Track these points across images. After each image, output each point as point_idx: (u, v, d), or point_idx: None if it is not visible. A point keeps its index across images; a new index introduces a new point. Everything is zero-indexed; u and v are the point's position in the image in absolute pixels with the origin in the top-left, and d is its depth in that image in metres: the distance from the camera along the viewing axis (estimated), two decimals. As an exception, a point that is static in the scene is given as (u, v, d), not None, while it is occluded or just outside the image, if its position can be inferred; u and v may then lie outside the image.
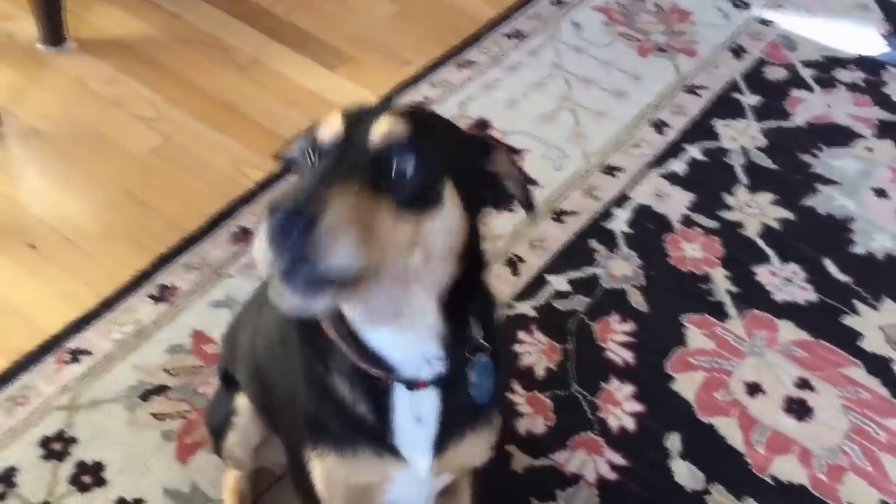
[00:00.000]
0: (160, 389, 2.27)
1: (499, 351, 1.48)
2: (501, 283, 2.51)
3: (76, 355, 2.33)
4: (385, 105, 1.29)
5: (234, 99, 3.09)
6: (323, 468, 1.49)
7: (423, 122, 1.25)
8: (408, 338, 1.34)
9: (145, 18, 3.38)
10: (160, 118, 2.99)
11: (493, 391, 1.47)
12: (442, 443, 1.46)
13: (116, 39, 3.29)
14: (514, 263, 2.60)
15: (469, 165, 1.30)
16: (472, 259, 1.32)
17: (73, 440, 2.17)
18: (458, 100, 3.12)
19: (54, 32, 3.18)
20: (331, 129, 1.25)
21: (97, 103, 3.04)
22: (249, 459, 1.97)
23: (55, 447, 2.15)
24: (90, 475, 2.11)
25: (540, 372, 2.35)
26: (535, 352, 2.39)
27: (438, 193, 1.21)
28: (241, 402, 1.88)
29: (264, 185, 2.77)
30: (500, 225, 2.66)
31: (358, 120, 1.24)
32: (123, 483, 2.10)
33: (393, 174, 1.18)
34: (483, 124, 3.02)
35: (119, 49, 3.24)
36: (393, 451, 1.45)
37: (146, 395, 2.25)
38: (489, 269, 1.39)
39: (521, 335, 2.42)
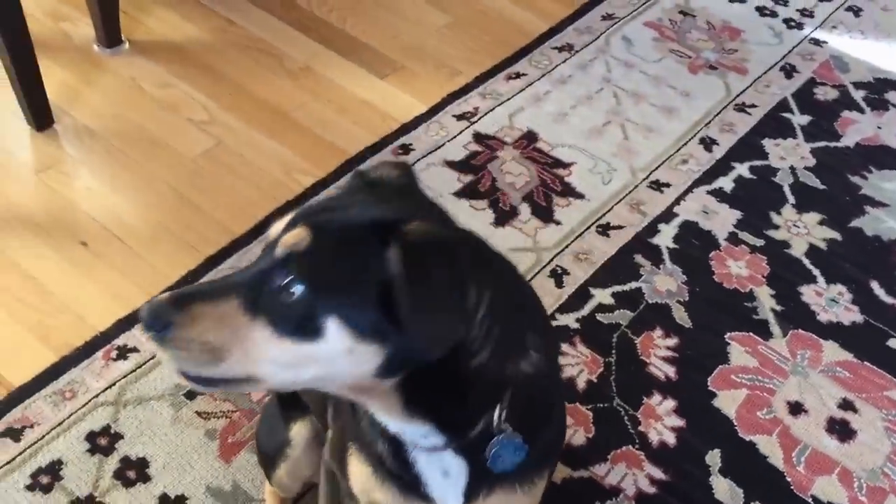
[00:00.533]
0: (205, 389, 2.29)
1: (537, 429, 1.41)
2: (545, 295, 2.52)
3: (124, 352, 2.35)
4: (307, 213, 1.24)
5: (285, 105, 3.12)
6: (358, 468, 1.49)
7: (328, 248, 1.17)
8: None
9: (199, 23, 3.42)
10: (212, 122, 3.03)
11: (526, 464, 1.40)
12: (470, 494, 1.43)
13: (171, 43, 3.33)
14: (558, 275, 2.60)
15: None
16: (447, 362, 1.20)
17: (118, 435, 2.19)
18: (507, 111, 3.13)
19: (111, 34, 3.21)
20: (275, 228, 1.24)
21: (151, 105, 3.08)
22: (298, 488, 1.99)
23: (101, 442, 2.18)
24: (134, 470, 2.13)
25: (581, 384, 2.35)
26: (577, 364, 2.39)
27: (317, 329, 1.14)
28: (297, 432, 1.88)
29: (314, 191, 2.79)
30: (546, 237, 2.69)
31: (292, 224, 1.21)
32: (167, 479, 2.12)
33: (274, 294, 1.16)
34: (531, 136, 3.04)
35: (173, 52, 3.29)
36: (422, 496, 1.44)
37: (191, 394, 2.28)
38: (501, 360, 1.28)
39: (564, 347, 2.42)
